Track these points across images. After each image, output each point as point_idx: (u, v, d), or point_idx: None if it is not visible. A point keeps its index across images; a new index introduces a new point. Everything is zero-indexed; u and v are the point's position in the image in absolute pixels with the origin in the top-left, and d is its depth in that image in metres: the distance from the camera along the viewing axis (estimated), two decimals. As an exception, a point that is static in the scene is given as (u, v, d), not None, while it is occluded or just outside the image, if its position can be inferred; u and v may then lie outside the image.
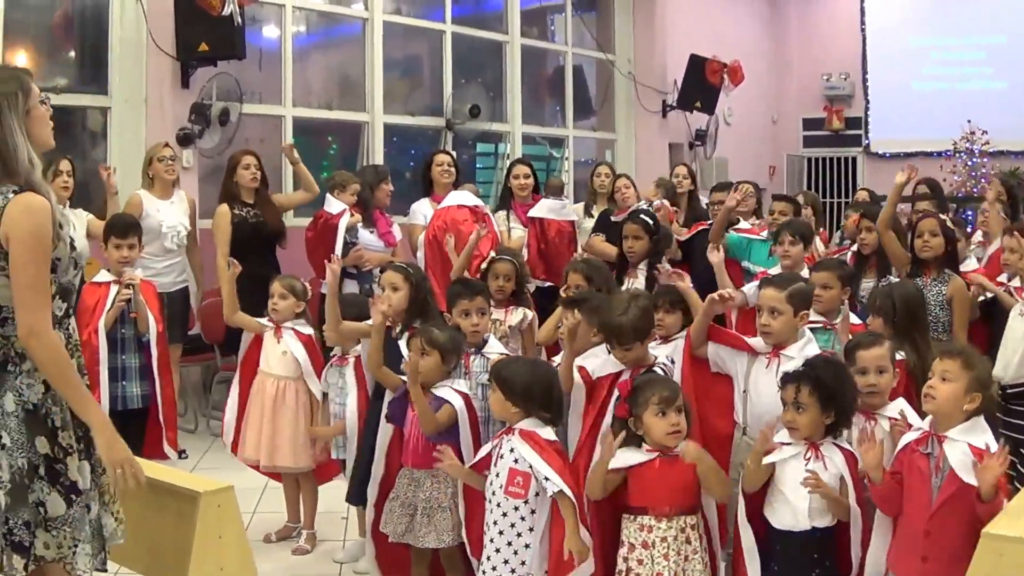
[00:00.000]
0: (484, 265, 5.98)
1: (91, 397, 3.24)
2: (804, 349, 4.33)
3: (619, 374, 4.38)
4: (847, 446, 3.87)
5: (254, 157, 7.48)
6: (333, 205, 7.24)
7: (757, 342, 4.45)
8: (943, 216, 6.27)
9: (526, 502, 4.01)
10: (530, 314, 5.76)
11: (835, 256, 7.01)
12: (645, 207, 7.41)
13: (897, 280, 5.61)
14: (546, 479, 3.90)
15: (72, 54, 8.62)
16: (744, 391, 4.38)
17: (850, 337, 4.65)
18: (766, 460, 3.83)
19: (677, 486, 3.88)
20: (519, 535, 4.01)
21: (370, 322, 4.83)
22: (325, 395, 5.46)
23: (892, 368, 4.12)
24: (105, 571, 3.35)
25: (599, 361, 4.47)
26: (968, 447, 3.52)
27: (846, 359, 4.18)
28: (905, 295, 4.94)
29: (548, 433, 4.07)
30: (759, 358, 4.38)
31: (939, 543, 3.51)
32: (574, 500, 3.89)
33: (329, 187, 7.37)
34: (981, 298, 5.93)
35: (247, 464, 5.73)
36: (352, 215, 7.20)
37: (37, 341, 3.08)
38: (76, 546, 3.18)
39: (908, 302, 4.88)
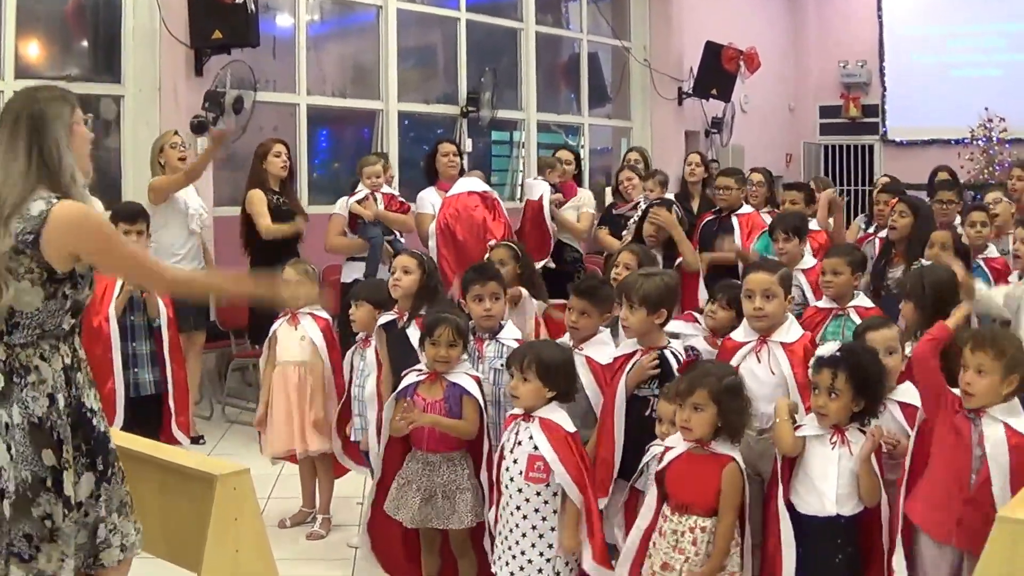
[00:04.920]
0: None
1: (221, 276, 3.37)
2: (790, 331, 4.35)
3: (632, 355, 4.34)
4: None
5: (285, 146, 7.54)
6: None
7: (739, 334, 4.46)
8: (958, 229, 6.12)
9: (547, 485, 4.01)
10: (524, 291, 5.78)
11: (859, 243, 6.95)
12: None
13: (929, 264, 5.51)
14: (555, 478, 3.97)
15: (85, 43, 8.60)
16: None
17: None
18: (798, 433, 3.80)
19: (695, 486, 3.80)
20: (544, 519, 4.03)
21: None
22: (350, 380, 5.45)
23: (902, 350, 4.12)
24: None
25: (608, 348, 4.46)
26: (1005, 428, 3.52)
27: (855, 340, 4.16)
28: (936, 279, 4.79)
29: (567, 423, 4.06)
30: (747, 348, 4.37)
31: (977, 512, 3.47)
32: (578, 504, 3.96)
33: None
34: None
35: (278, 458, 5.74)
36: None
37: (175, 286, 3.37)
38: (63, 560, 3.18)
39: (938, 286, 4.73)
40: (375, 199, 7.38)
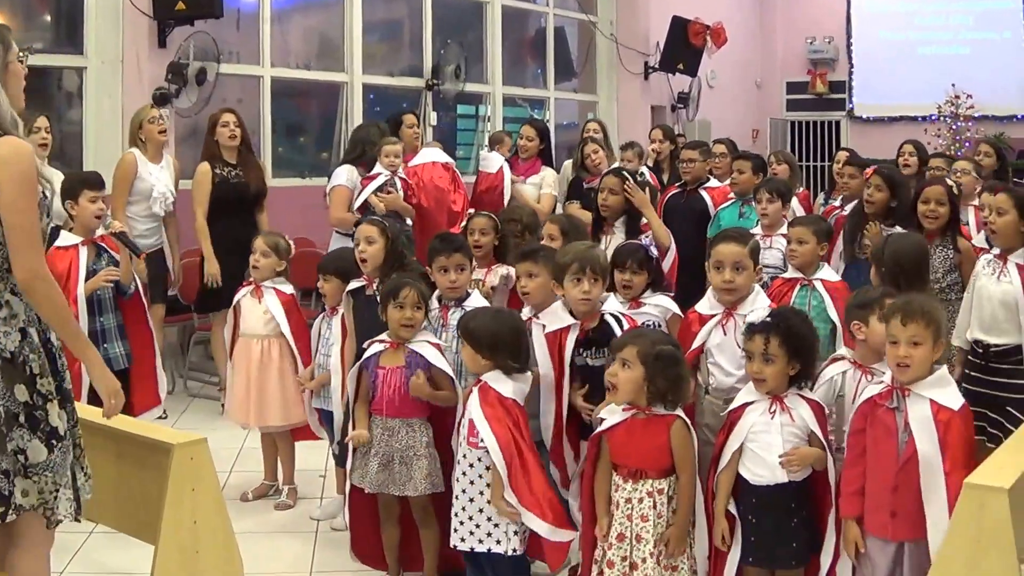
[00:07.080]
0: (464, 222, 5.93)
1: (84, 335, 3.22)
2: (755, 303, 4.29)
3: (569, 328, 4.33)
4: (812, 396, 3.84)
5: (233, 115, 7.39)
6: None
7: (704, 306, 4.39)
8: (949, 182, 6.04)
9: (487, 452, 4.00)
10: (513, 272, 5.73)
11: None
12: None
13: (900, 232, 5.45)
14: (482, 441, 3.95)
15: (47, 16, 8.51)
16: (703, 353, 4.30)
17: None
18: (737, 401, 3.84)
19: (643, 449, 3.80)
20: (489, 485, 4.02)
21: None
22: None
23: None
24: (79, 521, 3.30)
25: (559, 316, 4.41)
26: (931, 404, 3.51)
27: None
28: (896, 249, 4.74)
29: (507, 389, 4.05)
30: (713, 321, 4.32)
31: (906, 497, 3.51)
32: (501, 466, 3.91)
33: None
34: None
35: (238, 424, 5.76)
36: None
37: (42, 283, 3.09)
38: (57, 491, 3.15)
39: (897, 256, 4.69)
40: (395, 185, 7.26)
